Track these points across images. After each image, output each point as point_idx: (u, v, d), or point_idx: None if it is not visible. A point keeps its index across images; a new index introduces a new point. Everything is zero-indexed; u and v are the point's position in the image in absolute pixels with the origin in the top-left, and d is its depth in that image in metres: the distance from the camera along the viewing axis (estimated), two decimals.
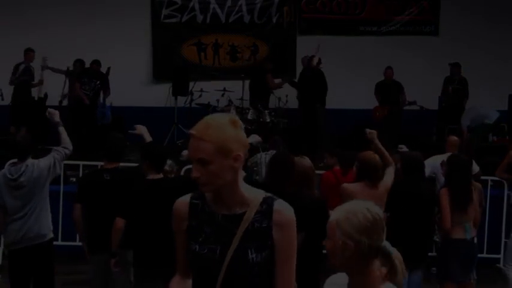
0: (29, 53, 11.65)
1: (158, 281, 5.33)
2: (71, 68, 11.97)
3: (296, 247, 2.62)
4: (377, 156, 5.80)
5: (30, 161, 5.66)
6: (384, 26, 13.76)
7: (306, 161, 5.39)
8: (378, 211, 2.46)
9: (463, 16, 13.36)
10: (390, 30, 13.75)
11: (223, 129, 2.52)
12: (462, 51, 12.81)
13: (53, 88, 11.71)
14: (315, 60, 11.45)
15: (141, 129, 6.26)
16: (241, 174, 2.62)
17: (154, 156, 5.53)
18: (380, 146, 6.02)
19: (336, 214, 2.50)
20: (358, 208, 2.47)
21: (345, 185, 5.91)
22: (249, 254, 2.55)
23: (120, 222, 5.38)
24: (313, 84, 11.59)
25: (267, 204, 2.58)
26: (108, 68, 11.87)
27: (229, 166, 2.52)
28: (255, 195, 2.62)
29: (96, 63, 11.81)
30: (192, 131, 2.53)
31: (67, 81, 12.01)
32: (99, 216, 5.63)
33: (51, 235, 5.81)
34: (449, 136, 8.77)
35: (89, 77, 11.74)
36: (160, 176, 5.50)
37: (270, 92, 12.25)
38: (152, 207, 5.31)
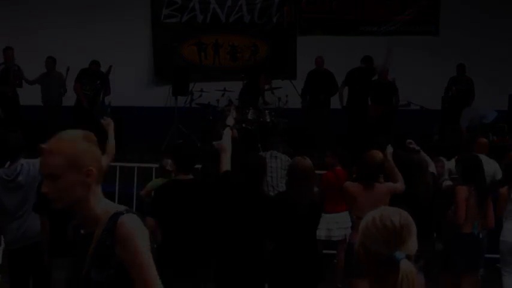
0: (6, 51, 11.49)
1: (187, 280, 5.30)
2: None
3: (146, 258, 2.46)
4: (380, 157, 5.79)
5: (24, 160, 5.62)
6: (384, 26, 13.76)
7: (307, 161, 5.40)
8: (394, 218, 2.31)
9: (463, 16, 13.35)
10: (390, 30, 13.75)
11: (75, 143, 2.45)
12: (462, 51, 12.81)
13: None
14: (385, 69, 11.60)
15: (108, 123, 6.00)
16: (98, 190, 2.52)
17: (182, 157, 5.45)
18: (391, 164, 5.96)
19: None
20: (373, 214, 2.36)
21: (347, 183, 5.92)
22: (92, 273, 2.45)
23: (150, 222, 5.35)
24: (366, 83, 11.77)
25: (113, 220, 2.46)
26: (110, 67, 11.79)
27: (80, 181, 2.44)
28: (107, 210, 2.50)
29: (94, 63, 11.76)
30: (43, 145, 2.46)
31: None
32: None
33: None
34: (479, 138, 8.77)
35: (88, 78, 11.72)
36: (190, 177, 5.39)
37: (259, 93, 12.14)
38: (180, 209, 5.27)
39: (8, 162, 5.68)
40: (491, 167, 7.83)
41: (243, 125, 10.71)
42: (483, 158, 7.38)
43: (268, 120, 11.15)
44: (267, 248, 5.34)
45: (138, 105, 12.31)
